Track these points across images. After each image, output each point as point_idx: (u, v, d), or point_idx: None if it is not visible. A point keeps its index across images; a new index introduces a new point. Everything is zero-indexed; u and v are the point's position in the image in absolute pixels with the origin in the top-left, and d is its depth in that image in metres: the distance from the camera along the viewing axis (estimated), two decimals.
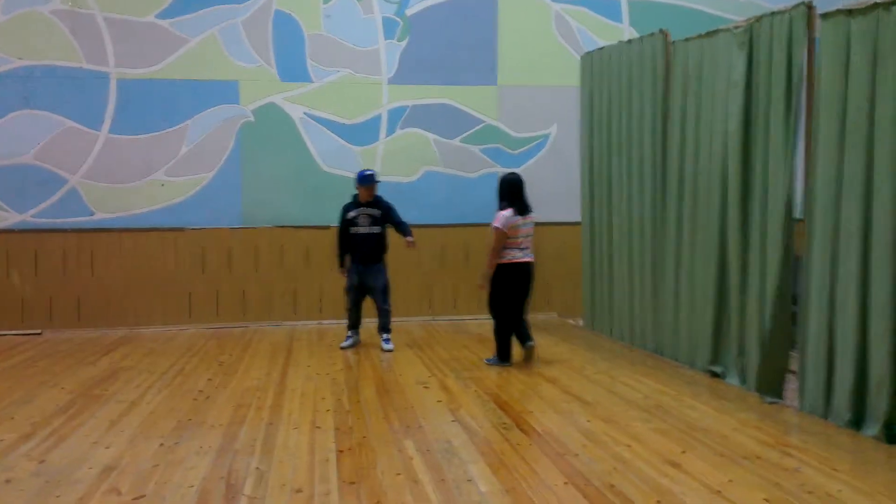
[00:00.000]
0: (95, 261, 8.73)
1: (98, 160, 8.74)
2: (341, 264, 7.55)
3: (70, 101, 8.67)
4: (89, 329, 8.66)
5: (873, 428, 4.59)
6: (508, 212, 6.54)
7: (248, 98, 8.99)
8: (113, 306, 8.75)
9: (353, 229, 7.38)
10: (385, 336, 7.53)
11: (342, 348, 7.50)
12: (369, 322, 7.84)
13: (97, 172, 8.74)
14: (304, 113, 9.12)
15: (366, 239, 7.37)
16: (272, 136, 9.03)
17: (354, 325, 7.65)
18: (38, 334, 8.51)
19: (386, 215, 7.41)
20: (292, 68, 9.08)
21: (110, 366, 6.83)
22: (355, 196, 7.46)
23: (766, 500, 3.64)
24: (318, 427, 4.92)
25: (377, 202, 7.43)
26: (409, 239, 7.37)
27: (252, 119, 9.01)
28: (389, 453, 4.40)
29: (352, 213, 7.40)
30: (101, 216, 8.77)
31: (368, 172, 7.44)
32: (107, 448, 4.52)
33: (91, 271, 8.72)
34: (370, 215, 7.36)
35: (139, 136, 8.81)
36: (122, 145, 8.78)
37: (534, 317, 9.30)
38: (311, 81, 9.12)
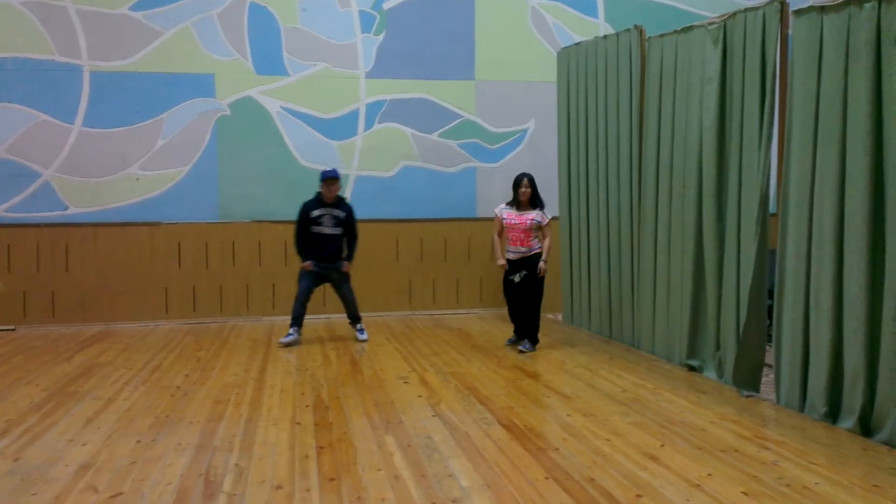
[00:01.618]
0: (70, 256, 8.62)
1: (71, 154, 8.63)
2: (304, 259, 7.46)
3: (42, 94, 8.54)
4: (64, 325, 8.56)
5: (849, 421, 4.66)
6: None
7: (224, 92, 8.91)
8: (88, 302, 8.65)
9: (316, 228, 7.38)
10: (359, 326, 7.64)
11: (281, 344, 7.35)
12: (310, 320, 7.92)
13: (71, 166, 8.63)
14: (281, 107, 9.06)
15: (330, 240, 7.42)
16: (249, 130, 8.97)
17: (298, 319, 7.47)
18: (12, 330, 8.39)
19: (348, 219, 7.47)
20: (268, 62, 9.02)
21: (86, 362, 6.75)
22: (318, 194, 7.44)
23: (745, 494, 3.69)
24: (298, 423, 4.90)
25: (340, 203, 7.48)
26: (346, 263, 7.50)
27: (228, 113, 8.93)
28: (370, 449, 4.39)
29: (316, 212, 7.38)
30: (74, 210, 8.66)
31: (331, 170, 7.46)
32: (83, 445, 4.47)
33: (66, 266, 8.62)
34: (335, 216, 7.40)
35: (113, 130, 8.70)
36: (95, 139, 8.67)
37: None
38: (288, 75, 9.06)
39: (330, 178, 7.36)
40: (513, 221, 6.94)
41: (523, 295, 7.00)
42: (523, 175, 7.03)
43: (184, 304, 8.87)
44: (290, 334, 7.41)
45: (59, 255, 8.61)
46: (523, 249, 6.93)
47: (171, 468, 4.09)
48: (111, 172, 8.72)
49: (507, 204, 7.06)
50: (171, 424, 4.89)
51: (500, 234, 7.09)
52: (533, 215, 6.91)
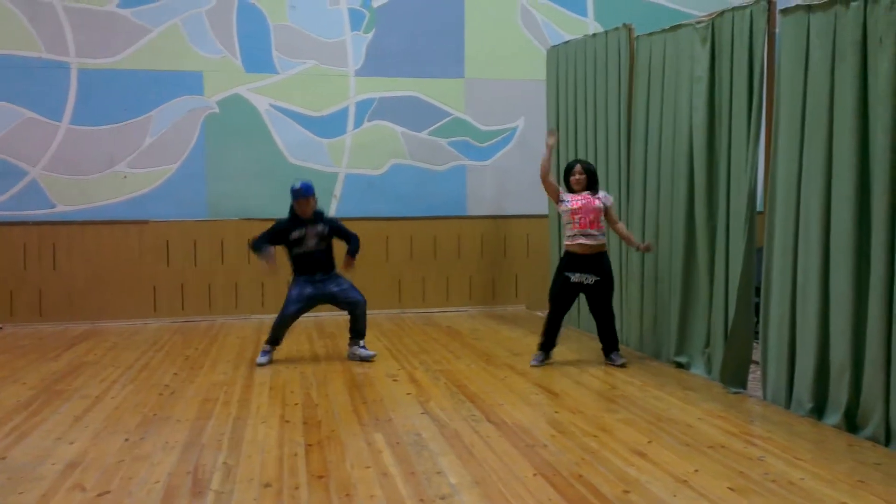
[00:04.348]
0: (57, 254, 8.58)
1: (59, 152, 8.58)
2: (263, 252, 6.48)
3: (29, 92, 8.49)
4: (51, 323, 8.51)
5: (834, 417, 4.69)
6: None
7: (213, 89, 8.89)
8: (75, 300, 8.61)
9: (299, 250, 6.52)
10: (361, 343, 6.73)
11: (259, 365, 6.48)
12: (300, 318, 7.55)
13: (58, 164, 8.59)
14: (270, 105, 9.04)
15: (318, 256, 6.57)
16: (238, 128, 8.95)
17: (278, 341, 6.70)
18: None
19: (333, 231, 6.65)
20: (257, 59, 9.00)
21: (73, 360, 6.72)
22: (292, 211, 6.54)
23: (731, 489, 3.71)
24: (287, 421, 4.89)
25: (320, 218, 6.60)
26: (348, 258, 6.66)
27: (217, 110, 8.90)
28: (358, 446, 4.40)
29: (296, 234, 6.48)
30: (62, 209, 8.62)
31: (303, 186, 6.48)
32: (70, 444, 4.45)
33: (53, 264, 8.57)
34: (317, 233, 6.52)
35: (101, 128, 8.66)
36: (83, 136, 8.63)
37: (502, 309, 9.41)
38: (277, 73, 9.05)
39: (304, 198, 6.45)
40: (578, 203, 6.11)
41: (594, 300, 6.26)
42: (575, 161, 6.38)
43: (172, 302, 8.84)
44: (265, 352, 6.59)
45: (46, 254, 8.56)
46: (594, 233, 6.08)
47: (158, 466, 4.08)
48: (99, 170, 8.68)
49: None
50: (158, 423, 4.87)
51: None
52: (600, 196, 6.21)
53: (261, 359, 6.55)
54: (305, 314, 6.81)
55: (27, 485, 3.83)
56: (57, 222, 8.58)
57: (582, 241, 6.14)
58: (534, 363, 6.35)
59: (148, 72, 8.73)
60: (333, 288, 6.63)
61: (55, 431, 4.69)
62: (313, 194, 6.54)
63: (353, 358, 6.67)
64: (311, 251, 6.54)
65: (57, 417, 4.99)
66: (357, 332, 6.71)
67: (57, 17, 8.54)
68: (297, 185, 6.51)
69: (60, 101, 8.58)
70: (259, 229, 8.70)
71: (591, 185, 6.30)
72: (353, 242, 6.73)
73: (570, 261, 6.23)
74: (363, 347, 6.71)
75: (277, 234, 6.58)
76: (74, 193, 8.64)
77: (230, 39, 8.92)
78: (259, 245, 6.53)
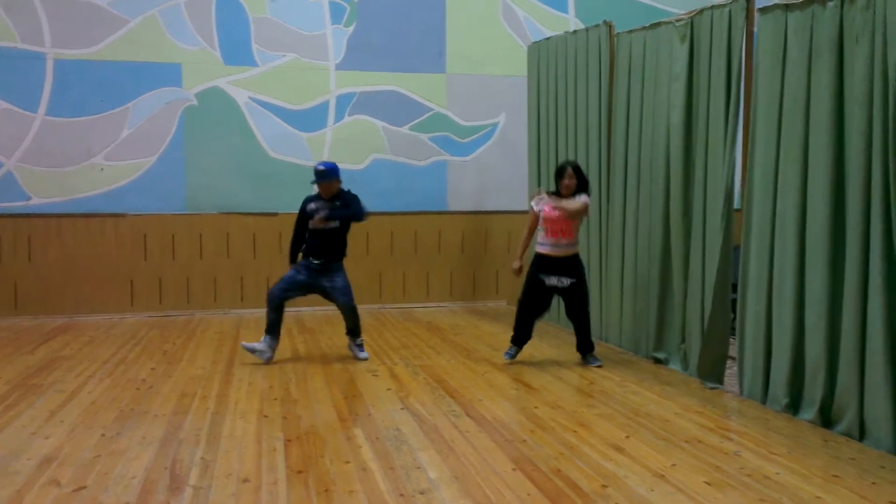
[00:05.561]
0: (33, 247, 8.47)
1: (34, 143, 8.47)
2: (293, 261, 6.55)
3: (4, 82, 8.36)
4: (27, 317, 8.41)
5: (809, 412, 4.75)
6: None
7: (192, 81, 8.81)
8: (51, 294, 8.51)
9: (311, 224, 6.39)
10: (358, 341, 6.62)
11: (244, 348, 6.43)
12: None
13: (34, 156, 8.47)
14: (250, 97, 8.97)
15: (323, 234, 6.35)
16: (217, 121, 8.87)
17: (273, 327, 6.45)
18: None
19: (345, 205, 6.41)
20: (237, 52, 8.93)
21: (49, 355, 6.64)
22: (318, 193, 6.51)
23: (707, 483, 3.75)
24: (266, 416, 4.87)
25: (340, 195, 6.43)
26: (323, 213, 6.30)
27: (195, 103, 8.83)
28: (338, 441, 4.39)
29: (312, 206, 6.41)
30: (38, 201, 8.51)
31: (326, 167, 6.39)
32: (46, 439, 4.40)
33: (28, 258, 8.46)
34: (332, 209, 6.36)
35: (78, 119, 8.56)
36: (59, 128, 8.52)
37: (483, 304, 9.43)
38: (257, 66, 8.98)
39: (327, 181, 6.34)
40: (550, 213, 6.03)
41: (570, 303, 6.20)
42: (566, 164, 6.18)
43: (150, 296, 8.76)
44: (261, 341, 6.44)
45: (21, 247, 8.45)
46: (564, 243, 6.06)
47: (135, 461, 4.05)
48: (75, 162, 8.58)
49: (549, 194, 6.19)
50: (136, 418, 4.83)
51: (531, 231, 6.28)
52: (573, 200, 6.02)
53: (249, 345, 6.40)
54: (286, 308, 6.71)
55: (1, 480, 3.78)
56: (32, 215, 8.47)
57: (550, 249, 6.14)
58: (507, 357, 6.35)
59: (125, 63, 8.63)
60: (325, 283, 6.47)
61: (30, 426, 4.64)
62: (337, 176, 6.41)
63: (351, 352, 6.64)
64: (318, 228, 6.34)
65: (32, 412, 4.94)
66: (349, 329, 6.61)
67: (33, 7, 8.42)
68: (320, 167, 6.43)
69: (36, 91, 8.46)
70: (238, 223, 8.84)
71: (580, 187, 6.11)
72: (346, 210, 6.39)
73: (543, 263, 6.17)
74: (360, 347, 6.61)
75: (300, 210, 6.50)
76: (50, 185, 8.53)
77: (209, 31, 8.84)
78: (290, 251, 6.57)
